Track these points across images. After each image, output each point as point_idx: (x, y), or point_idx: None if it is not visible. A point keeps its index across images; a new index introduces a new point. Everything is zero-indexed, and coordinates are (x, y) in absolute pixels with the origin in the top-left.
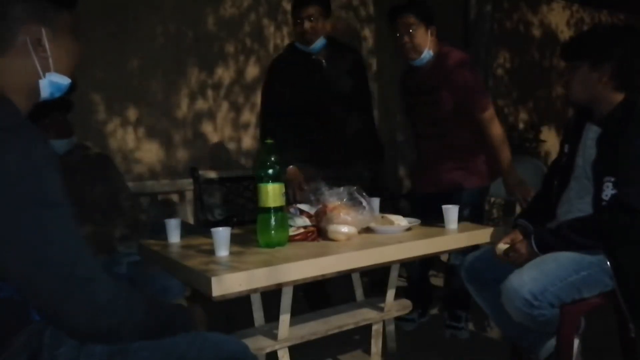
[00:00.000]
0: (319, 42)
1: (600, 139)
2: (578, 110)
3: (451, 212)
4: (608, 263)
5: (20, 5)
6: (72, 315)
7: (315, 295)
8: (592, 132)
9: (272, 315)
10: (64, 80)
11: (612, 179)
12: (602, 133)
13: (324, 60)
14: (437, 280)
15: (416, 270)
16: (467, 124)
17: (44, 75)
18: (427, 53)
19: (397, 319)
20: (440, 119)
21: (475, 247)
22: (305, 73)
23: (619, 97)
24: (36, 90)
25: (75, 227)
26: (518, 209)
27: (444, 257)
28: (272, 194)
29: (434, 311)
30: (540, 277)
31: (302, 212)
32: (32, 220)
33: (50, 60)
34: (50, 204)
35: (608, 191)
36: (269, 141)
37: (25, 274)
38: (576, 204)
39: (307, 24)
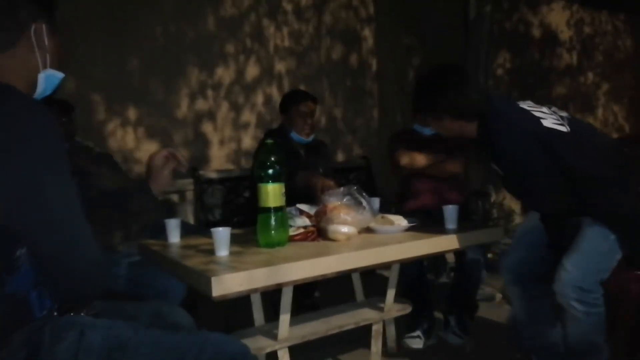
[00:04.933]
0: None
1: (492, 158)
2: None
3: (451, 212)
4: None
5: (29, 4)
6: (56, 276)
7: (305, 303)
8: (486, 154)
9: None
10: (59, 74)
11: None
12: (488, 154)
13: None
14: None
15: (412, 271)
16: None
17: (42, 70)
18: None
19: (405, 338)
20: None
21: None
22: None
23: (474, 124)
24: (34, 84)
25: (73, 193)
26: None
27: (448, 257)
28: (272, 194)
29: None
30: (580, 258)
31: (302, 212)
32: (37, 178)
33: (48, 56)
34: (56, 168)
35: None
36: (269, 141)
37: (26, 227)
38: None
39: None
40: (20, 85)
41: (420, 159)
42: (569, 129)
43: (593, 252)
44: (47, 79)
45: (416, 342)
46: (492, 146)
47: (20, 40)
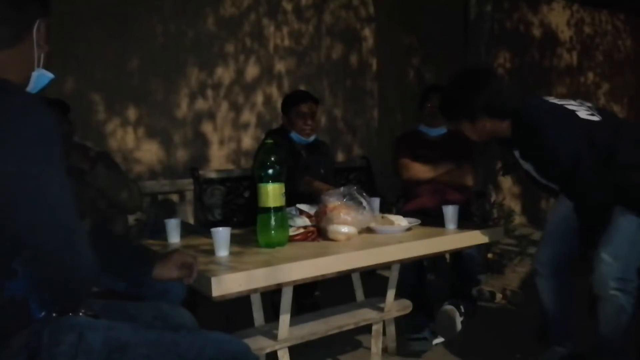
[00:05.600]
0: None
1: (523, 156)
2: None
3: (451, 212)
4: None
5: (36, 1)
6: (51, 277)
7: (305, 303)
8: (516, 153)
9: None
10: (49, 75)
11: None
12: (520, 152)
13: None
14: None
15: (411, 275)
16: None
17: (36, 69)
18: (443, 128)
19: (410, 340)
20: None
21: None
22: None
23: (507, 123)
24: (27, 82)
25: (70, 193)
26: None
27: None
28: (272, 194)
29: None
30: (618, 249)
31: (302, 212)
32: (33, 178)
33: (42, 55)
34: (54, 168)
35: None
36: (269, 141)
37: (24, 227)
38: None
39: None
40: (14, 81)
41: (424, 172)
42: (600, 118)
43: (629, 242)
44: (38, 79)
45: (422, 344)
46: (528, 143)
47: (26, 36)
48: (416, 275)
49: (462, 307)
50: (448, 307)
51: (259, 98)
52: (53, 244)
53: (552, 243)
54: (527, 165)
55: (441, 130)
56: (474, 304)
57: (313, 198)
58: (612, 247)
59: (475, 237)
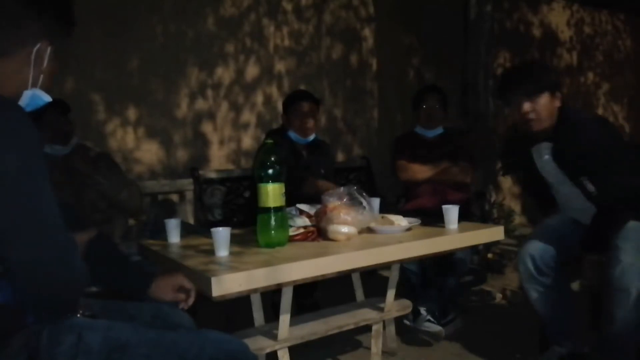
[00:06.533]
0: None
1: (555, 155)
2: (508, 142)
3: (451, 212)
4: None
5: (40, 22)
6: (40, 283)
7: (305, 303)
8: (544, 149)
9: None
10: (46, 97)
11: (587, 177)
12: (554, 150)
13: None
14: None
15: (414, 274)
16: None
17: (30, 88)
18: (440, 129)
19: (445, 325)
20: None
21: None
22: None
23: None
24: (17, 98)
25: (53, 198)
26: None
27: None
28: (272, 194)
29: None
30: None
31: (302, 212)
32: (19, 184)
33: (41, 77)
34: (39, 175)
35: (590, 186)
36: (269, 141)
37: (13, 233)
38: (571, 204)
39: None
40: (2, 94)
41: (421, 172)
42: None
43: None
44: (32, 98)
45: (457, 322)
46: (570, 140)
47: (18, 53)
48: (418, 276)
49: (435, 314)
50: (429, 328)
51: (259, 98)
52: (38, 253)
53: (541, 245)
54: (549, 166)
55: (438, 130)
56: (452, 301)
57: (314, 198)
58: (635, 241)
59: (475, 237)
